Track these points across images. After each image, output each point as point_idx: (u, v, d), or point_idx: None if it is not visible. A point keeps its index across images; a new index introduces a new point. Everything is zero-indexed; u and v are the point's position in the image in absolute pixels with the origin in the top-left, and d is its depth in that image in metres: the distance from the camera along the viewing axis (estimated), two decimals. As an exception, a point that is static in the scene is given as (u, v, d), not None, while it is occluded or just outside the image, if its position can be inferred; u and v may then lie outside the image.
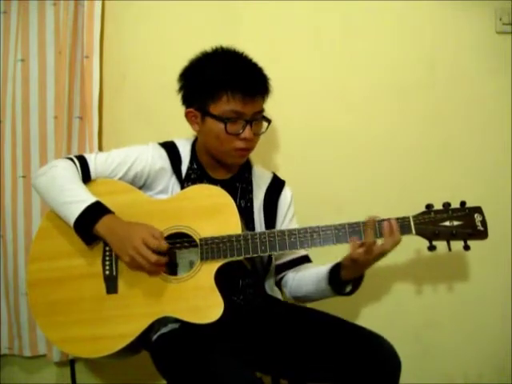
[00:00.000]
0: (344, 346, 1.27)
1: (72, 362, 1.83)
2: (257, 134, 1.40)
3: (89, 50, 1.78)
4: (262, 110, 1.41)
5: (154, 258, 1.24)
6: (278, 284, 1.54)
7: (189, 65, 1.43)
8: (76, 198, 1.31)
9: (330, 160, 1.85)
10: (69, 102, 1.77)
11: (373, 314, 1.84)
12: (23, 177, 1.81)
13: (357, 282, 1.36)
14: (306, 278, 1.45)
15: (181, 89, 1.43)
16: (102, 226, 1.28)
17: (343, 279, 1.33)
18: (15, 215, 1.81)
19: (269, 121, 1.42)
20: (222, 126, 1.34)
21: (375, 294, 1.83)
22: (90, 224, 1.28)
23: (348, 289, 1.36)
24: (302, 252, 1.50)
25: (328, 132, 1.85)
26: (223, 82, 1.33)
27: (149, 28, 1.87)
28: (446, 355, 1.85)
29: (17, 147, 1.82)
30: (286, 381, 1.46)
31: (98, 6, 1.78)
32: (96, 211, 1.30)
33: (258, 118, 1.40)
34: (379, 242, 1.27)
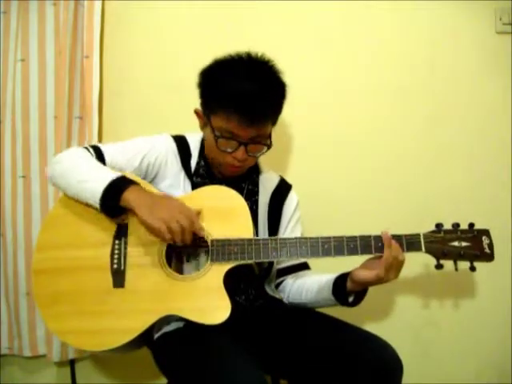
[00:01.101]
0: (345, 348, 1.26)
1: (72, 362, 1.83)
2: (253, 156, 1.36)
3: (89, 49, 1.78)
4: (264, 134, 1.35)
5: (196, 219, 1.24)
6: (276, 288, 1.53)
7: (209, 66, 1.38)
8: (100, 175, 1.28)
9: (329, 160, 1.85)
10: (69, 102, 1.77)
11: (372, 314, 1.84)
12: (23, 177, 1.81)
13: (361, 294, 1.35)
14: (307, 286, 1.44)
15: (198, 86, 1.40)
16: (131, 194, 1.25)
17: (349, 290, 1.33)
18: (15, 215, 1.81)
19: (269, 146, 1.36)
20: (214, 140, 1.33)
21: (375, 295, 1.82)
22: (118, 193, 1.25)
23: (350, 299, 1.35)
24: (301, 259, 1.50)
25: (327, 132, 1.85)
26: (224, 101, 1.30)
27: (149, 28, 1.87)
28: (446, 355, 1.85)
29: (17, 147, 1.81)
30: (286, 381, 1.46)
31: (98, 5, 1.78)
32: (123, 182, 1.27)
33: (259, 142, 1.34)
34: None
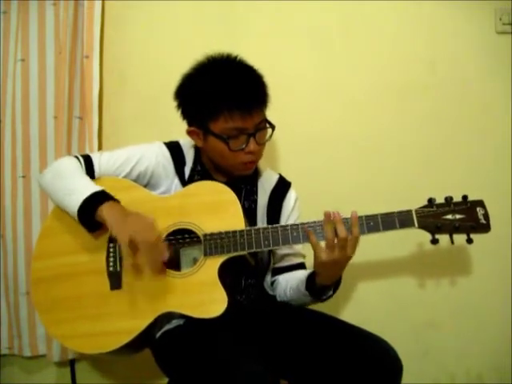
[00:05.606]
0: (345, 348, 1.26)
1: (72, 362, 1.83)
2: (261, 144, 1.38)
3: (89, 49, 1.78)
4: (264, 119, 1.38)
5: (156, 240, 1.23)
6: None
7: (182, 82, 1.40)
8: (81, 188, 1.31)
9: (330, 160, 1.85)
10: (69, 102, 1.77)
11: (373, 313, 1.84)
12: (23, 177, 1.81)
13: (335, 287, 1.35)
14: (290, 283, 1.44)
15: (178, 106, 1.41)
16: (105, 209, 1.27)
17: (319, 284, 1.33)
18: (15, 215, 1.81)
19: (273, 127, 1.39)
20: (224, 143, 1.33)
21: (375, 294, 1.83)
22: (92, 208, 1.27)
23: (329, 293, 1.36)
24: (299, 259, 1.50)
25: (328, 132, 1.85)
26: (219, 102, 1.30)
27: (148, 28, 1.87)
28: (446, 355, 1.85)
29: (17, 147, 1.82)
30: (286, 381, 1.46)
31: (97, 5, 1.78)
32: (101, 197, 1.29)
33: (261, 128, 1.37)
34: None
